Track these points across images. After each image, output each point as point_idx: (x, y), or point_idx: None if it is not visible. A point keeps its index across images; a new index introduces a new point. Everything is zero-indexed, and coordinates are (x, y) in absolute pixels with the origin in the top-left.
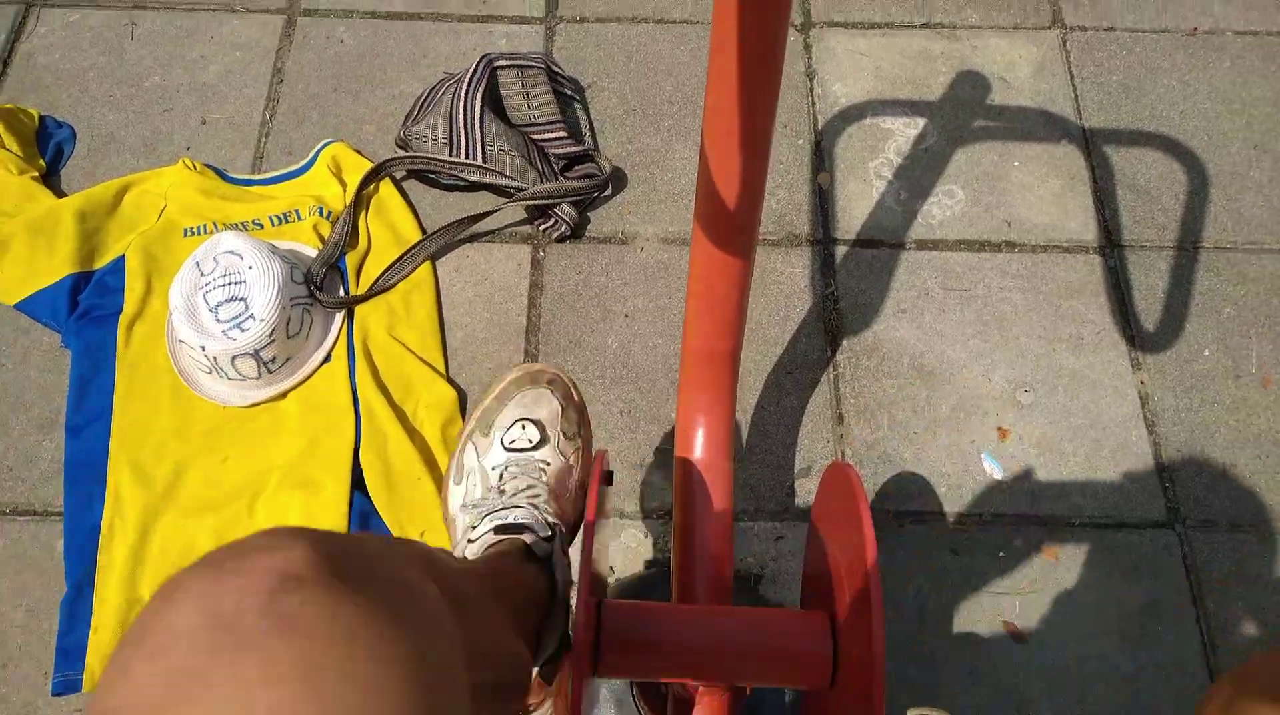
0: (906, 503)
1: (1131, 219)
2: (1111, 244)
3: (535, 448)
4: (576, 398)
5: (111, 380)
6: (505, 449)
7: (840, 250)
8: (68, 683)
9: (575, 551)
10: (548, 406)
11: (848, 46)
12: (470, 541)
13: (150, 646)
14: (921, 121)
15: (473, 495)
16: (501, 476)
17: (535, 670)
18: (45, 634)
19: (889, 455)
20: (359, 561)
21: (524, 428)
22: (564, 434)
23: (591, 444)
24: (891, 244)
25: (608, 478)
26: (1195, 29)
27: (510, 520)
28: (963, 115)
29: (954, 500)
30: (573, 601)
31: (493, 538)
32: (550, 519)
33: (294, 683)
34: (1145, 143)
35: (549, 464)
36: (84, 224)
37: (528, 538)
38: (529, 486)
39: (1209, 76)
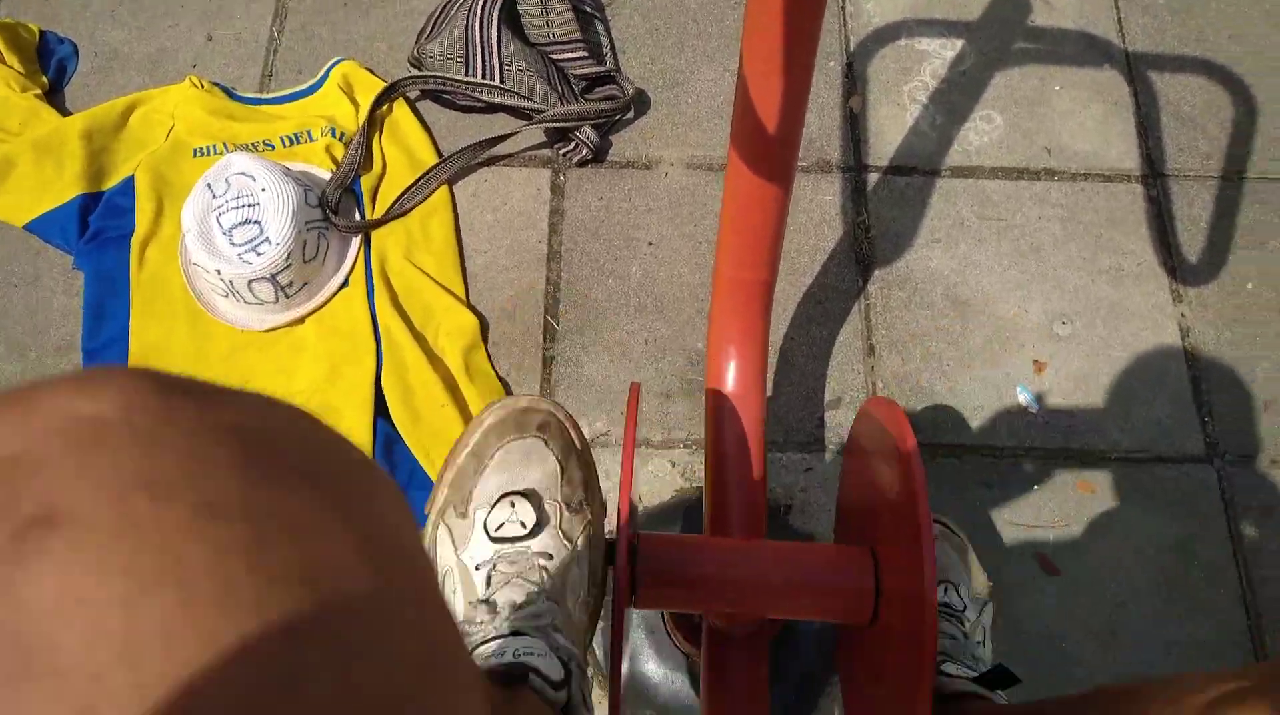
0: (938, 435)
1: (1175, 147)
2: (1154, 173)
3: (531, 535)
4: (579, 444)
5: (126, 303)
6: (491, 539)
7: (872, 177)
8: None
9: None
10: (540, 466)
11: None
12: None
13: None
14: (959, 43)
15: (453, 608)
16: (490, 581)
17: None
18: None
19: (921, 387)
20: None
21: (513, 506)
22: (567, 506)
23: (604, 511)
24: (926, 171)
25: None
26: None
27: (509, 658)
28: (1002, 37)
29: (987, 434)
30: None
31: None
32: (563, 651)
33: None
34: (1191, 68)
35: (550, 557)
36: (91, 143)
37: (534, 682)
38: (528, 602)
39: None
